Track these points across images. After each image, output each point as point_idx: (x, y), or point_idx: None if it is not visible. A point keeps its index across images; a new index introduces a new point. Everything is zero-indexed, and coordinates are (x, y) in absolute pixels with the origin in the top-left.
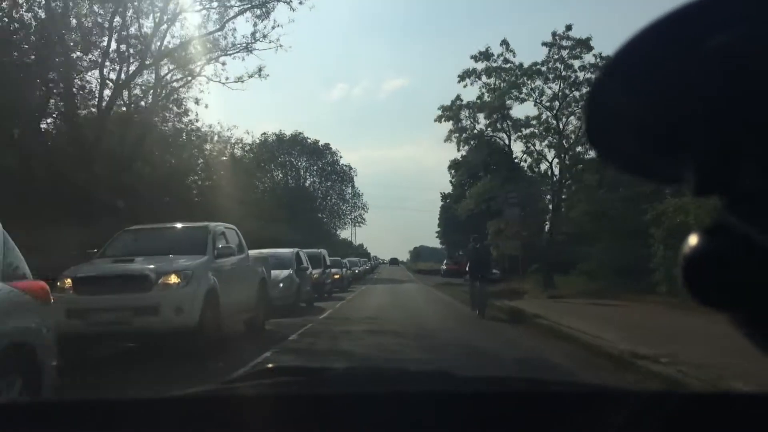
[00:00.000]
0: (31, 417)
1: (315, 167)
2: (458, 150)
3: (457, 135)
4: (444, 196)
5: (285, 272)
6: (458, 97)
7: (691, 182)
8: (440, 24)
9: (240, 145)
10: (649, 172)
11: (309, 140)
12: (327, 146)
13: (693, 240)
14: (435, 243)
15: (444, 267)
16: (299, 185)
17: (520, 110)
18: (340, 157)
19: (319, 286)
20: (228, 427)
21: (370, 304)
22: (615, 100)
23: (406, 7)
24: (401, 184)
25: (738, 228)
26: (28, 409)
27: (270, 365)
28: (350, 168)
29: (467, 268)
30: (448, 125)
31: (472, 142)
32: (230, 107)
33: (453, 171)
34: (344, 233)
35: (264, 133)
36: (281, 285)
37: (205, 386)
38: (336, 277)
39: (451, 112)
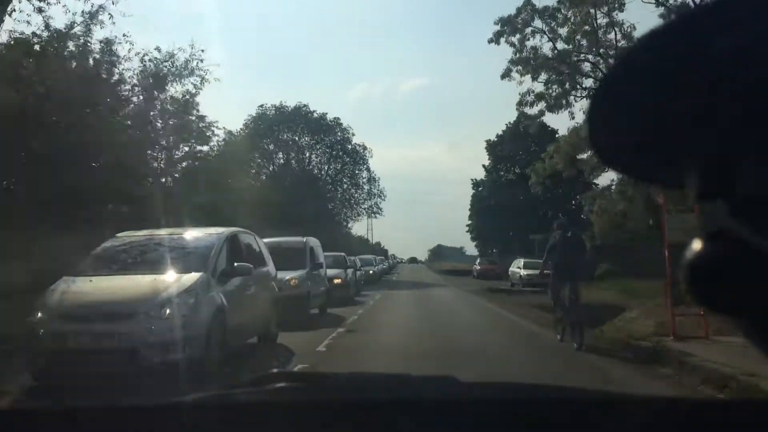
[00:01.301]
0: (35, 423)
1: (320, 145)
2: (533, 79)
3: (520, 68)
4: (476, 184)
5: (187, 280)
6: (528, 2)
7: (694, 187)
8: (460, 22)
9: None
10: (651, 176)
11: (315, 114)
12: (336, 121)
13: (696, 245)
14: (453, 243)
15: (477, 267)
16: (303, 167)
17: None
18: (353, 134)
19: (298, 302)
20: None
21: (389, 340)
22: (618, 105)
23: (426, 6)
24: (419, 184)
25: (741, 233)
26: (32, 415)
27: (275, 370)
28: (364, 148)
29: (552, 269)
30: (502, 57)
31: (551, 73)
32: (243, 107)
33: (489, 152)
34: (358, 227)
35: (261, 106)
36: (166, 312)
37: (209, 392)
38: (337, 282)
39: (512, 27)
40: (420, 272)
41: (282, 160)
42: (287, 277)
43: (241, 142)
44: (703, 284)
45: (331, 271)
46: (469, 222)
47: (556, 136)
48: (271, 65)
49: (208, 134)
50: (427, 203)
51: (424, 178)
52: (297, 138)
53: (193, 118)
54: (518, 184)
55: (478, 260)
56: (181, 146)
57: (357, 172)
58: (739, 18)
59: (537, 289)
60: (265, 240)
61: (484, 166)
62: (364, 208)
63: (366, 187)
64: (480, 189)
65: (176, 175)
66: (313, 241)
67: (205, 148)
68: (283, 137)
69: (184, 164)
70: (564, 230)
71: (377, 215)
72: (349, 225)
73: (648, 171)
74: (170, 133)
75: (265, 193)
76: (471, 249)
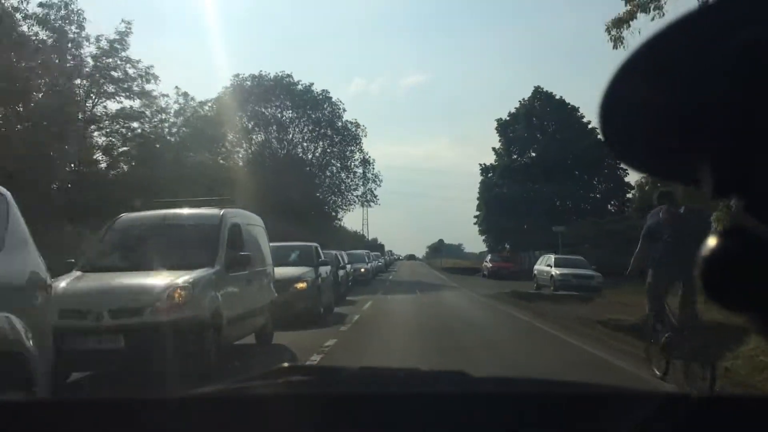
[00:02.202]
0: (42, 417)
1: (306, 121)
2: None
3: None
4: (485, 169)
5: None
6: None
7: (709, 183)
8: (460, 19)
9: None
10: (666, 172)
11: (299, 85)
12: (325, 94)
13: (711, 242)
14: (451, 239)
15: (489, 264)
16: (287, 149)
17: None
18: (343, 110)
19: (190, 335)
20: (241, 427)
21: None
22: (632, 99)
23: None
24: (417, 181)
25: (757, 230)
26: (39, 408)
27: (285, 364)
28: (357, 126)
29: (654, 264)
30: None
31: None
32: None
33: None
34: (352, 221)
35: (237, 75)
36: None
37: (219, 385)
38: (299, 288)
39: None
40: (420, 270)
41: (261, 138)
42: (177, 283)
43: (207, 113)
44: (718, 280)
45: (287, 271)
46: (477, 213)
47: (577, 114)
48: (263, 63)
49: (140, 86)
50: (425, 200)
51: (422, 175)
52: (279, 114)
53: (120, 61)
54: (534, 170)
55: (489, 256)
56: (103, 100)
57: (348, 153)
58: (753, 14)
59: (574, 293)
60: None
61: (494, 149)
62: (357, 196)
63: (359, 170)
64: (490, 175)
65: (102, 140)
66: (241, 217)
67: (134, 102)
68: (261, 111)
69: (107, 123)
70: (669, 203)
71: (372, 203)
72: (340, 216)
73: (662, 167)
74: (86, 78)
75: (239, 176)
76: (470, 246)
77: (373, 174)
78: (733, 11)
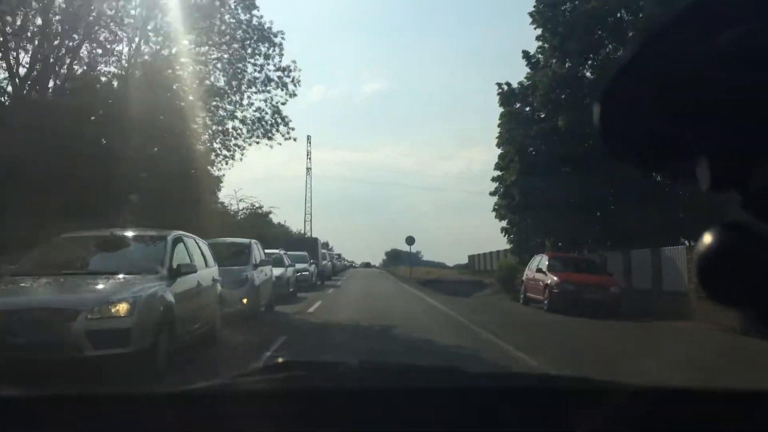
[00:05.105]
0: (39, 411)
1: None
2: None
3: None
4: (507, 94)
5: None
6: None
7: (705, 177)
8: (424, 23)
9: None
10: (662, 167)
11: None
12: None
13: (708, 237)
14: (406, 247)
15: (550, 279)
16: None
17: None
18: None
19: None
20: (240, 421)
21: None
22: (630, 96)
23: (389, 5)
24: (375, 189)
25: (753, 225)
26: (36, 403)
27: (281, 360)
28: (270, 29)
29: None
30: None
31: None
32: None
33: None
34: (293, 218)
35: None
36: None
37: (217, 380)
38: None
39: None
40: (382, 284)
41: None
42: None
43: None
44: (714, 276)
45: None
46: (498, 173)
47: None
48: None
49: None
50: (381, 208)
51: (380, 182)
52: None
53: None
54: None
55: (546, 261)
56: None
57: (251, 59)
58: (745, 9)
59: None
60: None
61: (525, 53)
62: (256, 129)
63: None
64: (518, 105)
65: None
66: None
67: None
68: None
69: None
70: None
71: (286, 137)
72: (220, 162)
73: (661, 163)
74: None
75: None
76: (428, 254)
77: (288, 77)
78: (726, 8)
